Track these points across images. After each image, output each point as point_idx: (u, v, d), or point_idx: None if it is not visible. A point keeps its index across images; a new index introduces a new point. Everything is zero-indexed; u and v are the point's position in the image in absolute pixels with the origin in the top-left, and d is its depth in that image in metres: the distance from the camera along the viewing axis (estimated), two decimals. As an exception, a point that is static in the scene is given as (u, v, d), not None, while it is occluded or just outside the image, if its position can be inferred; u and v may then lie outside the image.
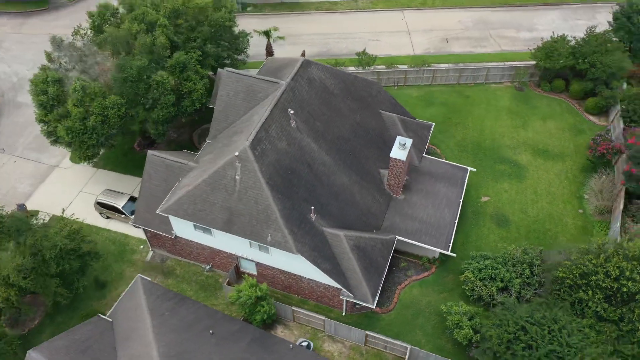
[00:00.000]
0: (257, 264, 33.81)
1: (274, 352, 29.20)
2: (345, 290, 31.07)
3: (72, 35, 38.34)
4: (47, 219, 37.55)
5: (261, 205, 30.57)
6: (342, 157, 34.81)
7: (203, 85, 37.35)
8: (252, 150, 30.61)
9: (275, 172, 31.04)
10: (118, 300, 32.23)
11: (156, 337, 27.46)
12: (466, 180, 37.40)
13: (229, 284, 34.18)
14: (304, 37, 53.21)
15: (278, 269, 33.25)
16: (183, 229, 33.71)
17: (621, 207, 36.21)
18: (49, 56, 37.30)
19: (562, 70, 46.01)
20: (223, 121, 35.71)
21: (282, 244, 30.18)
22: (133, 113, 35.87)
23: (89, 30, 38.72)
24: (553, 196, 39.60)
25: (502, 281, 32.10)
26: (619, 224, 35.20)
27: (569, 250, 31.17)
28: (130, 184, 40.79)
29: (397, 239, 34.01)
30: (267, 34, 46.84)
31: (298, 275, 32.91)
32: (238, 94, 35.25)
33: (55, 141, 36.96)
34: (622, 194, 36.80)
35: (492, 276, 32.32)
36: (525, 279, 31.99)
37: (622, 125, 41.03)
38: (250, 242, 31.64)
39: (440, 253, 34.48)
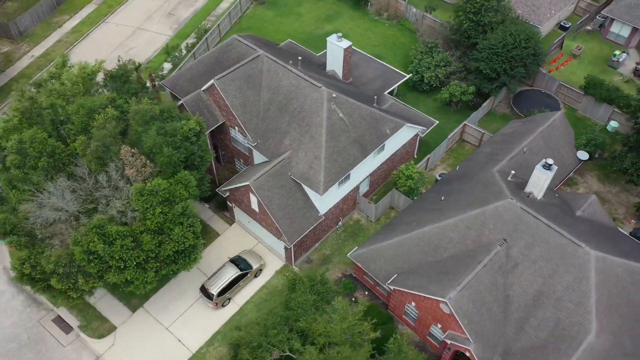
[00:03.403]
0: (370, 176, 39.33)
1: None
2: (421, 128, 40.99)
3: None
4: None
5: (368, 117, 36.27)
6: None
7: None
8: (328, 97, 35.17)
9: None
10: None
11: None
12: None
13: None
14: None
15: (383, 164, 39.82)
16: (330, 201, 35.90)
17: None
18: None
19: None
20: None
21: (397, 124, 37.39)
22: None
23: None
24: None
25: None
26: None
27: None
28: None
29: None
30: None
31: (393, 154, 40.46)
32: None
33: None
34: None
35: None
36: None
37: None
38: (374, 153, 37.04)
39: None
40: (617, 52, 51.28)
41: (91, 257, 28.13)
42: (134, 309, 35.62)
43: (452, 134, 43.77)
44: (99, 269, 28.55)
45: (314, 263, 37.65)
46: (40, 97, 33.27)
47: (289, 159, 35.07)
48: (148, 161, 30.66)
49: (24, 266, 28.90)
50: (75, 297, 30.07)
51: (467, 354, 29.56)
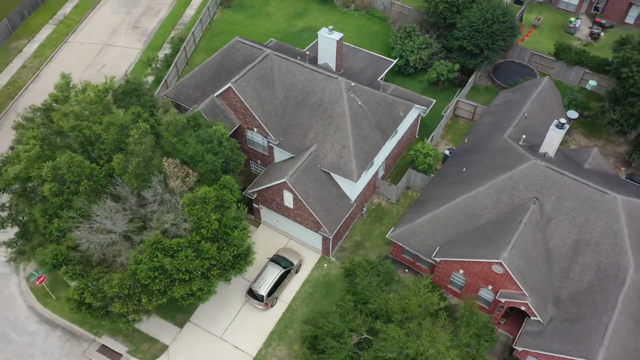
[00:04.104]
0: (385, 160, 40.63)
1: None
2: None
3: None
4: None
5: (382, 102, 37.55)
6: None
7: None
8: (346, 87, 36.09)
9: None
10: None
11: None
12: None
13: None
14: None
15: (395, 146, 41.23)
16: (359, 188, 36.78)
17: None
18: None
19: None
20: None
21: (407, 106, 38.91)
22: None
23: None
24: None
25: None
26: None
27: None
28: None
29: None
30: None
31: (402, 136, 41.99)
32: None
33: None
34: None
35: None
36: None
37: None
38: (391, 137, 38.31)
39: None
40: (572, 19, 55.49)
41: (156, 274, 27.53)
42: (180, 324, 34.96)
43: (448, 111, 45.90)
44: (164, 284, 27.98)
45: (348, 251, 38.46)
46: (56, 121, 31.82)
47: (316, 151, 35.64)
48: (190, 170, 30.27)
49: (84, 295, 27.78)
50: (137, 318, 29.26)
51: (523, 308, 31.55)
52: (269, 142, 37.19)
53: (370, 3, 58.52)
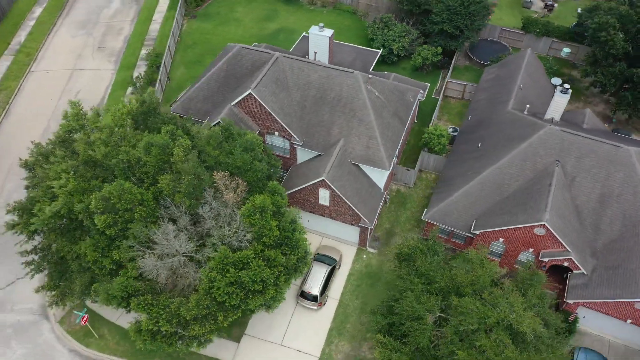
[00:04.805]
0: (400, 146, 41.66)
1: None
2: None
3: None
4: None
5: (395, 91, 38.62)
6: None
7: None
8: (363, 79, 36.70)
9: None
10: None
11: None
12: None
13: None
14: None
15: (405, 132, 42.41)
16: (386, 176, 37.60)
17: None
18: None
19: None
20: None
21: (415, 92, 40.30)
22: None
23: None
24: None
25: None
26: None
27: None
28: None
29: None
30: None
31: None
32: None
33: None
34: None
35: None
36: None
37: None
38: (407, 123, 39.44)
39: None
40: (527, -6, 59.14)
41: (232, 289, 27.02)
42: (237, 339, 34.35)
43: (442, 92, 47.70)
44: (239, 299, 27.50)
45: (382, 239, 39.22)
46: (82, 150, 30.28)
47: (344, 146, 36.07)
48: (240, 181, 29.84)
49: (160, 323, 26.74)
50: (210, 338, 28.59)
51: (566, 264, 33.66)
52: (292, 143, 37.16)
53: (337, -2, 59.44)
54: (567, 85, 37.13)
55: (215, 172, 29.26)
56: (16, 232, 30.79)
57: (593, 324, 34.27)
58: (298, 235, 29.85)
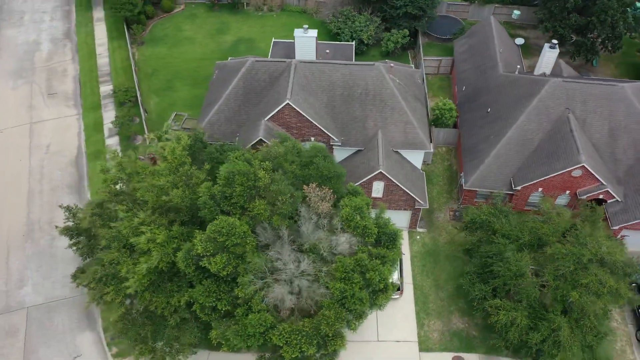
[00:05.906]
0: (411, 128, 43.35)
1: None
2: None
3: None
4: None
5: (408, 75, 40.07)
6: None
7: None
8: (385, 69, 37.58)
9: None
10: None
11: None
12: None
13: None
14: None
15: (411, 113, 44.13)
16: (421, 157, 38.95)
17: None
18: None
19: None
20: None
21: (419, 73, 41.89)
22: None
23: None
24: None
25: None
26: None
27: None
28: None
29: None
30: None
31: (409, 104, 44.95)
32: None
33: None
34: None
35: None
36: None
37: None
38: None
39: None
40: (453, -32, 63.24)
41: (363, 294, 26.91)
42: (334, 348, 33.97)
43: (422, 71, 50.01)
44: (369, 301, 27.46)
45: (425, 219, 40.63)
46: (151, 200, 28.10)
47: (384, 136, 36.80)
48: (327, 189, 29.51)
49: (303, 348, 25.85)
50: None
51: (601, 197, 37.49)
52: (331, 145, 37.12)
53: (283, 1, 59.27)
54: (555, 42, 40.99)
55: (305, 185, 28.70)
56: (104, 302, 27.91)
57: (634, 242, 38.65)
58: (391, 227, 30.28)
